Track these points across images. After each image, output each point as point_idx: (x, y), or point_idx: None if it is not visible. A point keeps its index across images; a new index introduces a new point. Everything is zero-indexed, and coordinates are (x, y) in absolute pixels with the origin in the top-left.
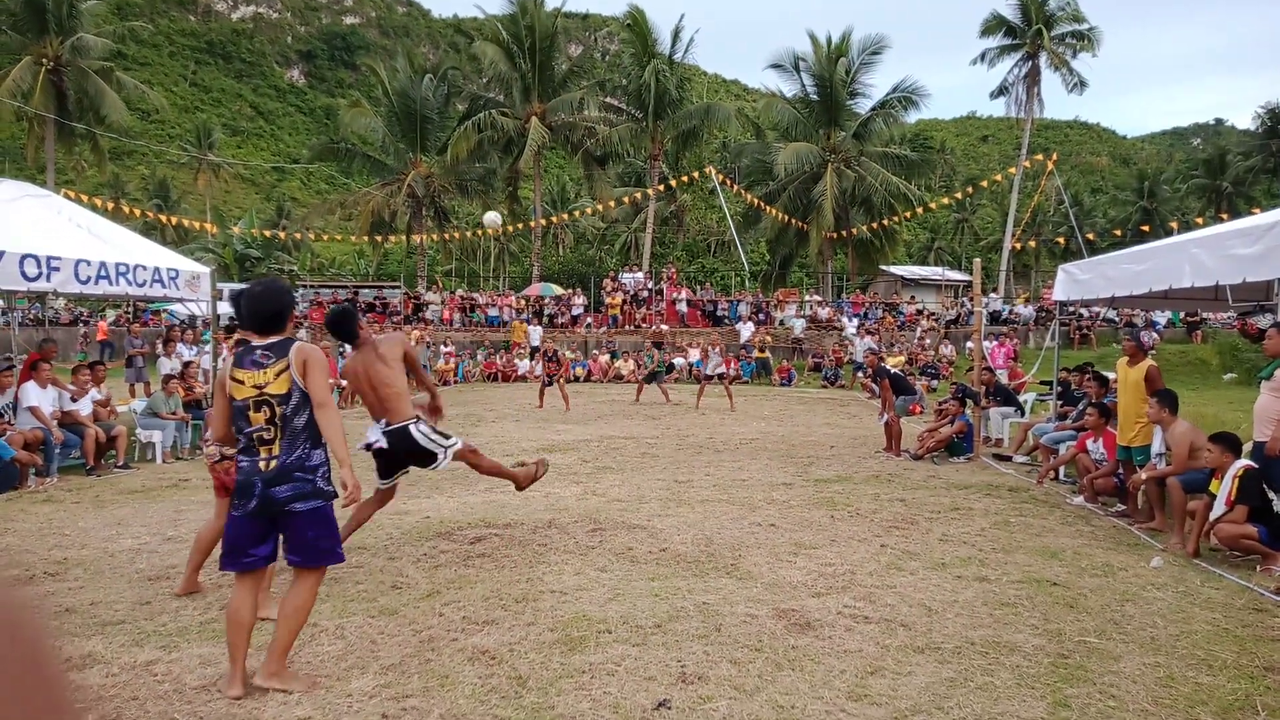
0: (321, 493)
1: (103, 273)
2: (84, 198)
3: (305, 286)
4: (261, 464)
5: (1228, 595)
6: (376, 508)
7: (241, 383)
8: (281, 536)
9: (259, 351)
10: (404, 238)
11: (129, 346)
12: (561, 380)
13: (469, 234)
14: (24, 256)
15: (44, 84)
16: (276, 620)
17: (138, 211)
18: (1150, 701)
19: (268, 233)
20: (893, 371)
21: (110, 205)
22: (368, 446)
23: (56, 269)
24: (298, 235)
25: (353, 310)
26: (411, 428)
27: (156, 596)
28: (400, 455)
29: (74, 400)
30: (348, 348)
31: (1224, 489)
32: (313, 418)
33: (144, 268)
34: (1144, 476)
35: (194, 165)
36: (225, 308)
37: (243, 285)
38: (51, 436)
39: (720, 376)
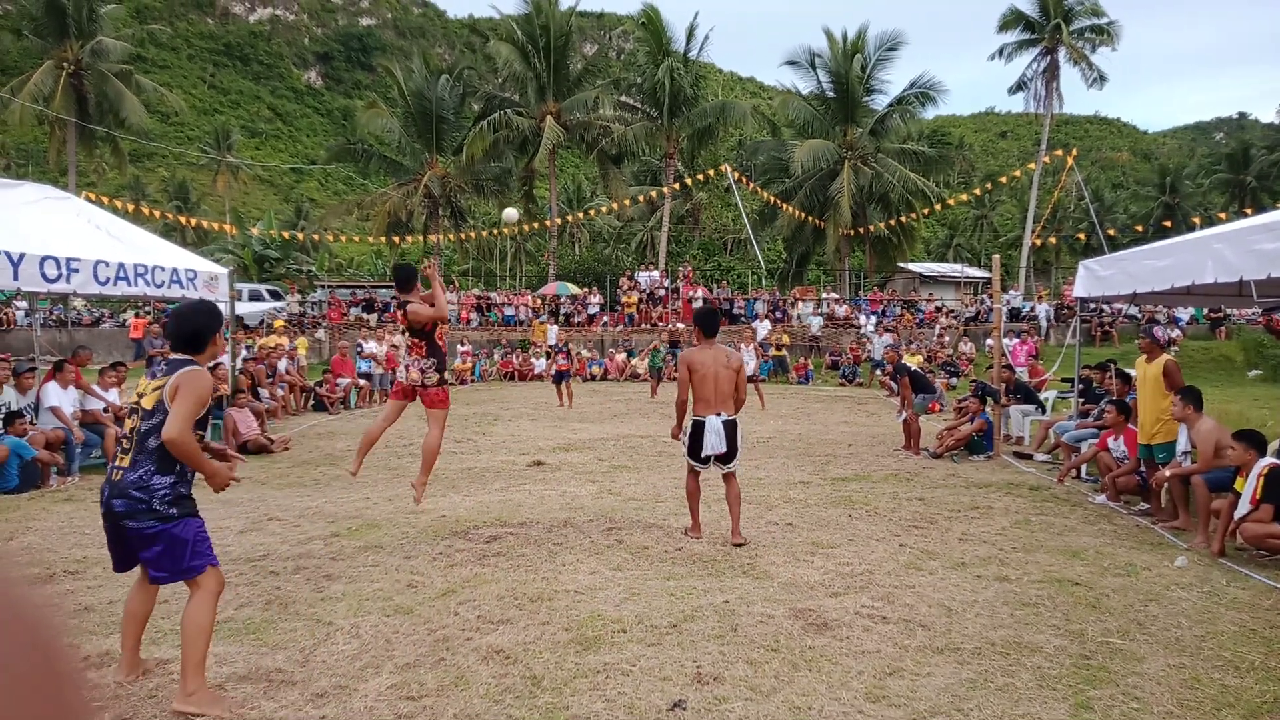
0: (155, 513)
1: (121, 274)
2: (105, 200)
3: (323, 286)
4: (114, 473)
5: (1254, 595)
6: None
7: (142, 391)
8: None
9: (163, 364)
10: (420, 238)
11: (148, 346)
12: (569, 380)
13: (485, 234)
14: (44, 258)
15: (65, 87)
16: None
17: (158, 213)
18: (1175, 704)
19: (286, 234)
20: (912, 369)
21: (131, 207)
22: (707, 459)
23: (76, 270)
24: (315, 236)
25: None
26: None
27: (173, 595)
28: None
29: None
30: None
31: (1249, 487)
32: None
33: (162, 269)
34: (1168, 474)
35: (213, 167)
36: (244, 308)
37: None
38: (72, 436)
39: (752, 377)
